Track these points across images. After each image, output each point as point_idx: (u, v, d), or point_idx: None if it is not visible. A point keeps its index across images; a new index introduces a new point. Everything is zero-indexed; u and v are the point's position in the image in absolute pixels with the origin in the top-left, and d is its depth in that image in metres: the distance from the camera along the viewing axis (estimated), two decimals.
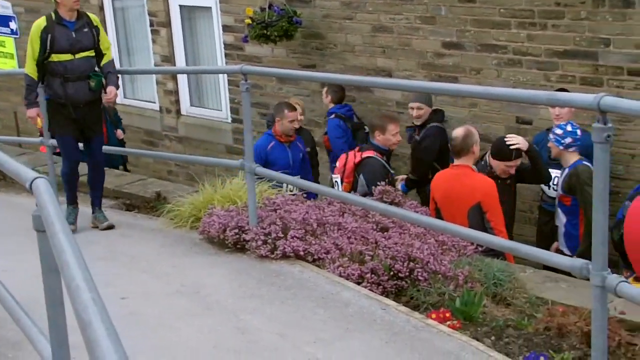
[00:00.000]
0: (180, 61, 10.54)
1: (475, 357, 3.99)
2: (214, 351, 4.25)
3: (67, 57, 6.16)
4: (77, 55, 6.18)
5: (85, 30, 6.22)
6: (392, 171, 6.95)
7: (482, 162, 6.53)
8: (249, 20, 8.80)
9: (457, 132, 6.26)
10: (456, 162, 6.26)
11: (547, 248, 6.10)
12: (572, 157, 6.33)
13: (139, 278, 5.40)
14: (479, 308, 4.68)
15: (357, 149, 6.98)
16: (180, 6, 10.38)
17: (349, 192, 6.62)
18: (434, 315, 4.52)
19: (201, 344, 4.34)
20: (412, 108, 7.55)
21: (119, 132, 9.69)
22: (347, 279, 4.99)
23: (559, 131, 6.34)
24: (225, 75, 9.96)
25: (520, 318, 4.67)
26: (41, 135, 7.70)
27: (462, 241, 5.41)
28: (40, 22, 6.16)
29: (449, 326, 4.39)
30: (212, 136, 10.25)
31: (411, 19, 8.06)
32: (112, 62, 6.53)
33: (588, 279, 3.37)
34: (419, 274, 4.91)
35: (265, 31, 8.61)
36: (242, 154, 6.14)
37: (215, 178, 6.66)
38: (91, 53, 6.28)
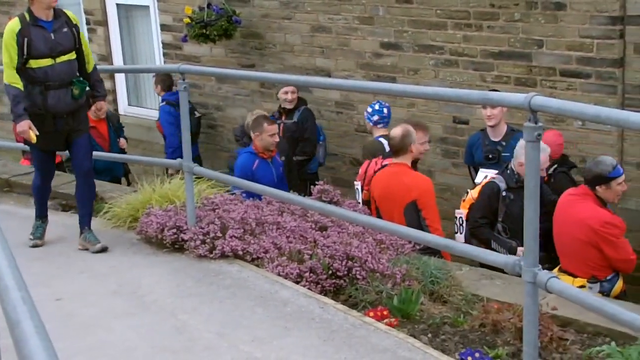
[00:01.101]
0: (118, 60, 10.42)
1: (411, 354, 4.04)
2: (151, 351, 4.22)
3: (47, 61, 5.42)
4: (58, 60, 5.44)
5: (65, 30, 5.48)
6: None
7: (508, 171, 6.15)
8: (187, 20, 8.75)
9: (395, 131, 6.32)
10: (394, 160, 6.32)
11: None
12: (377, 132, 7.20)
13: (76, 279, 5.33)
14: (416, 306, 4.73)
15: (379, 156, 6.73)
16: (117, 5, 10.27)
17: (368, 200, 6.53)
18: (371, 314, 4.56)
19: (138, 344, 4.30)
20: (287, 92, 8.03)
21: (122, 141, 8.81)
22: (286, 278, 4.99)
23: (369, 109, 7.27)
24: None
25: (457, 315, 4.74)
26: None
27: (400, 240, 5.46)
28: (14, 25, 5.39)
29: (386, 324, 4.43)
30: (150, 136, 10.16)
31: (349, 19, 8.11)
32: (96, 67, 5.85)
33: (520, 276, 3.45)
34: (357, 272, 4.94)
35: (204, 30, 8.58)
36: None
37: (154, 177, 6.61)
38: (72, 56, 5.52)
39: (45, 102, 5.46)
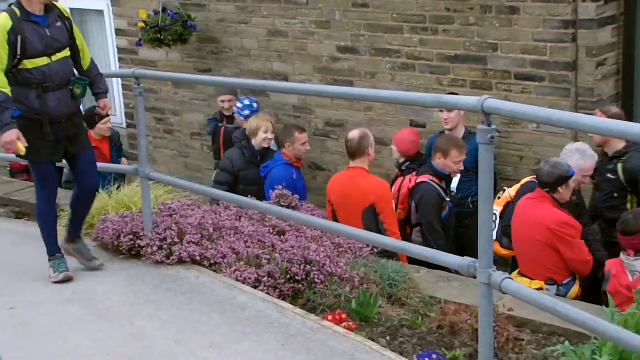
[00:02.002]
0: None
1: (369, 356, 4.05)
2: (107, 358, 4.18)
3: (43, 60, 4.89)
4: (54, 57, 4.93)
5: (58, 24, 4.99)
6: (447, 199, 6.42)
7: None
8: (142, 24, 8.68)
9: (353, 134, 6.33)
10: (351, 164, 6.32)
11: (454, 250, 6.22)
12: (245, 124, 7.52)
13: (29, 287, 5.24)
14: (374, 309, 4.74)
15: (413, 172, 6.58)
16: (71, 9, 10.13)
17: (403, 219, 6.42)
18: (330, 317, 4.56)
19: (93, 351, 4.25)
20: (223, 101, 8.18)
21: (124, 160, 8.35)
22: (244, 283, 4.97)
23: (239, 104, 7.79)
24: (119, 79, 9.79)
25: (414, 317, 4.76)
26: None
27: (358, 243, 5.47)
28: (4, 22, 4.81)
29: (344, 327, 4.44)
30: None
31: (306, 23, 8.11)
32: (93, 60, 5.31)
33: (475, 277, 3.47)
34: (315, 276, 4.93)
35: (158, 35, 8.51)
36: (137, 159, 6.04)
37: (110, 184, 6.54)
38: (67, 52, 5.04)
39: (44, 105, 4.92)
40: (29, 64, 4.87)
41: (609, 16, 6.59)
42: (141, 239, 5.50)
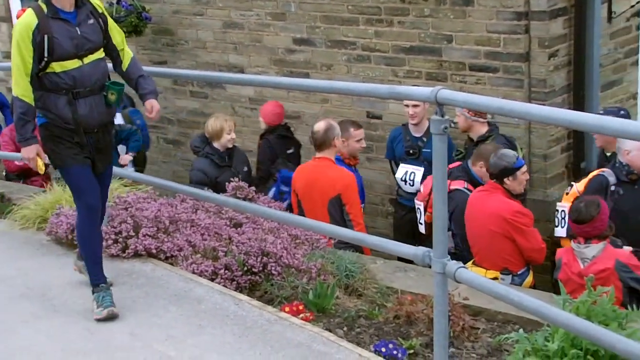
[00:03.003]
0: None
1: (326, 347, 4.06)
2: (62, 354, 4.14)
3: (74, 63, 4.29)
4: (86, 60, 4.33)
5: (91, 22, 4.39)
6: None
7: (617, 164, 5.70)
8: None
9: (319, 126, 6.32)
10: (318, 154, 6.33)
11: (405, 241, 6.24)
12: None
13: None
14: (332, 300, 4.76)
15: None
16: (22, 0, 9.98)
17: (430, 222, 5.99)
18: (287, 309, 4.57)
19: (48, 347, 4.21)
20: None
21: (125, 157, 7.89)
22: (201, 276, 4.95)
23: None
24: None
25: (371, 308, 4.79)
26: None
27: (315, 234, 5.48)
28: (29, 20, 4.24)
29: (301, 318, 4.45)
30: None
31: (262, 15, 8.09)
32: (136, 60, 4.67)
33: (430, 267, 3.50)
34: (273, 268, 4.94)
35: None
36: None
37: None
38: (101, 53, 4.44)
39: (75, 114, 4.32)
40: (57, 67, 4.27)
41: (560, 8, 6.68)
42: None
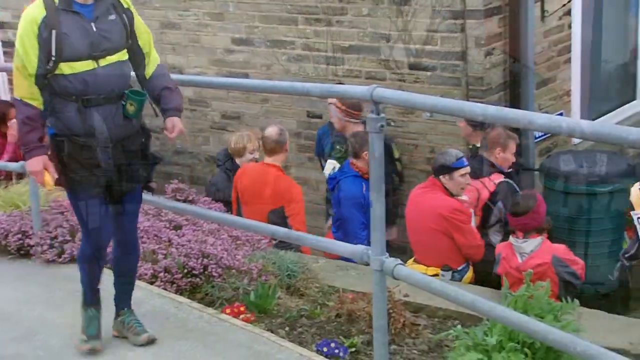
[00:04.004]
0: None
1: (267, 347, 4.05)
2: None
3: (87, 65, 3.63)
4: (102, 62, 3.65)
5: (112, 17, 3.71)
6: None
7: None
8: None
9: (271, 131, 6.29)
10: (267, 160, 6.29)
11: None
12: None
13: None
14: (273, 300, 4.75)
15: (484, 178, 6.08)
16: None
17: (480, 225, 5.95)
18: (228, 310, 4.54)
19: None
20: None
21: None
22: (140, 279, 4.87)
23: None
24: (5, 74, 9.48)
25: (313, 307, 4.79)
26: None
27: (256, 235, 5.46)
28: (35, 12, 3.61)
29: (243, 319, 4.43)
30: None
31: (200, 15, 8.03)
32: (163, 68, 3.98)
33: (368, 264, 3.51)
34: (213, 270, 4.90)
35: None
36: None
37: None
38: (123, 55, 3.74)
39: (85, 124, 3.67)
40: (67, 69, 3.60)
41: (495, 7, 6.77)
42: (30, 238, 5.35)
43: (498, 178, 6.07)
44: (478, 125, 6.38)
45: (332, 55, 7.39)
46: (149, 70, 3.86)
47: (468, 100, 6.50)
